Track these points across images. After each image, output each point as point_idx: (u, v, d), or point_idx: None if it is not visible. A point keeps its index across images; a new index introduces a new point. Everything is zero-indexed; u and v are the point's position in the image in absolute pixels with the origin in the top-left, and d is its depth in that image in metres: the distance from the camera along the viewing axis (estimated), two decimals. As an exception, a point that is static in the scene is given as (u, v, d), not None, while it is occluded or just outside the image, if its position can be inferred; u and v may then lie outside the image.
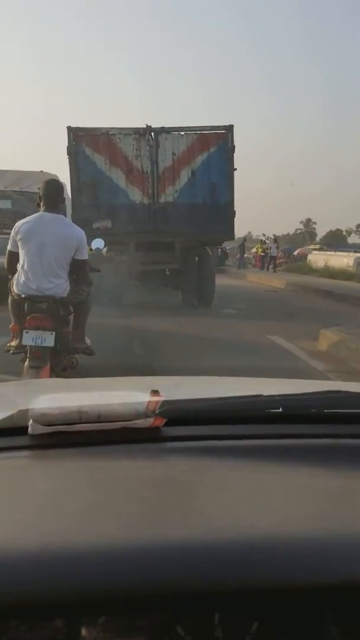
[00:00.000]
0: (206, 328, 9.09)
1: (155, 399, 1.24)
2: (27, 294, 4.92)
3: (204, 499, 0.99)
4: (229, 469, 1.13)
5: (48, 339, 4.92)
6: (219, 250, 30.97)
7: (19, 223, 5.00)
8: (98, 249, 6.23)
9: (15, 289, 4.94)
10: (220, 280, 15.13)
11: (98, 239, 6.16)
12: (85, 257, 5.11)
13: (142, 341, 7.50)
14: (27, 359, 4.86)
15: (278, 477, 1.10)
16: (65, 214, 5.51)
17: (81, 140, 11.81)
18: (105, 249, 8.26)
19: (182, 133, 11.78)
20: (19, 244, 4.93)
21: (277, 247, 34.97)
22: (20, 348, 4.96)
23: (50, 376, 4.73)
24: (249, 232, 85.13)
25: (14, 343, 5.04)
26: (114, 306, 10.32)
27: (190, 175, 11.81)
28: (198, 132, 11.86)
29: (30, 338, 4.92)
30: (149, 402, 1.22)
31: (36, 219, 4.97)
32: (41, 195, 5.02)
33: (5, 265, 5.05)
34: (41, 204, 5.00)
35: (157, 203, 11.68)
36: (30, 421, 1.18)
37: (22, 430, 1.19)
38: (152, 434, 1.22)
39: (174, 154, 11.76)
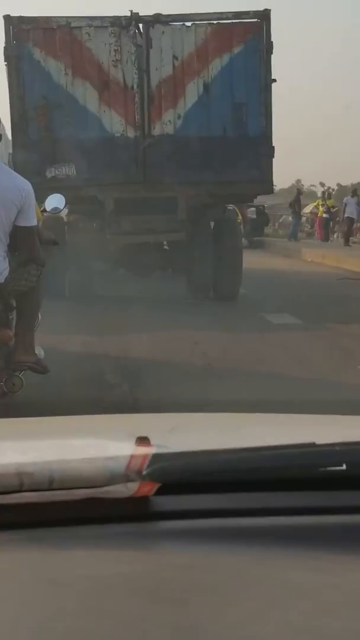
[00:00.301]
0: (240, 354, 7.10)
1: (141, 451, 1.15)
2: None
3: (212, 616, 0.92)
4: (254, 565, 1.05)
5: None
6: (253, 210, 26.83)
7: None
8: (55, 210, 5.65)
9: None
10: (258, 259, 13.70)
11: (55, 194, 5.59)
12: (34, 222, 4.62)
13: (119, 364, 6.60)
14: None
15: (335, 581, 1.00)
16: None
17: (27, 38, 10.20)
18: (65, 211, 7.79)
19: (189, 24, 10.32)
20: None
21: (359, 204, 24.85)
22: None
23: None
24: (298, 182, 69.84)
25: None
26: (79, 304, 9.57)
27: (201, 92, 10.31)
28: (214, 22, 10.38)
29: None
30: (132, 457, 1.13)
31: None
32: None
33: None
34: None
35: (149, 136, 10.26)
36: None
37: None
38: (135, 509, 1.15)
39: (175, 57, 10.23)
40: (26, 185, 4.60)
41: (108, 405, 4.82)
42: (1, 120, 11.32)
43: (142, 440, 1.17)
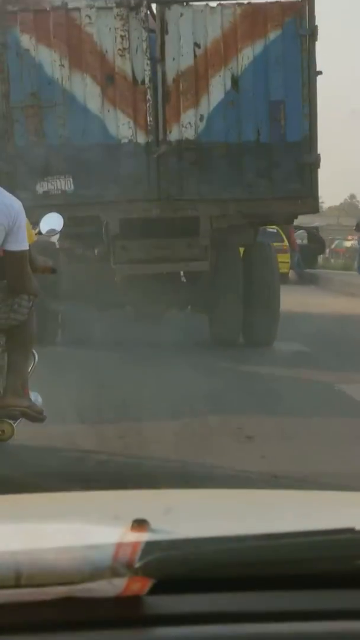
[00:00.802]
0: (327, 462, 5.36)
1: (131, 538, 1.07)
2: None
3: None
4: None
5: None
6: (303, 234, 23.29)
7: None
8: (52, 232, 5.25)
9: None
10: (315, 300, 12.45)
11: (52, 213, 5.18)
12: (25, 246, 4.37)
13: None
14: None
15: None
16: None
17: (13, 22, 9.12)
18: (57, 235, 6.80)
19: (214, 4, 9.32)
20: None
21: None
22: None
23: None
24: (352, 197, 60.22)
25: None
26: (72, 354, 8.73)
27: (229, 87, 9.29)
28: (245, 1, 9.36)
29: None
30: (119, 545, 1.05)
31: None
32: None
33: None
34: None
35: (163, 143, 9.22)
36: None
37: None
38: (123, 612, 1.07)
39: (197, 45, 9.23)
40: (16, 203, 4.39)
41: (90, 480, 4.37)
42: None
43: (134, 524, 1.09)
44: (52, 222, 5.10)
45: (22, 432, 4.78)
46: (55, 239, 8.63)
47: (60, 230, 5.42)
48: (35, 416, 4.52)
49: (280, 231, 20.33)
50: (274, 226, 14.85)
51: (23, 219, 4.36)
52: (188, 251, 9.40)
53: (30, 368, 4.76)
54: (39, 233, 5.17)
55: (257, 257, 10.19)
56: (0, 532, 1.31)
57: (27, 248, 4.44)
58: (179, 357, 8.64)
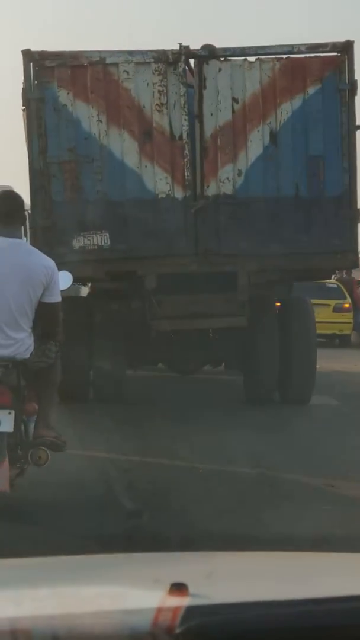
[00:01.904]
0: None
1: (172, 602, 1.04)
2: None
3: None
4: None
5: (5, 421, 4.90)
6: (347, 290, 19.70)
7: None
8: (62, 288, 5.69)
9: None
10: None
11: (63, 271, 5.64)
12: (58, 298, 5.21)
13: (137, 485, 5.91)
14: None
15: None
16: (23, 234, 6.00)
17: (51, 77, 9.11)
18: (83, 289, 8.72)
19: (252, 59, 9.23)
20: None
21: None
22: None
23: (10, 476, 4.83)
24: None
25: None
26: (103, 413, 8.40)
27: (267, 142, 9.27)
28: (284, 56, 9.29)
29: None
30: (159, 610, 1.03)
31: None
32: None
33: None
34: None
35: (201, 198, 9.18)
36: None
37: None
38: None
39: (235, 100, 9.18)
40: (51, 263, 5.18)
41: (123, 541, 4.49)
42: None
43: (175, 588, 1.05)
44: (62, 279, 5.59)
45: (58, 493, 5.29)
46: (83, 293, 9.06)
47: (70, 285, 6.10)
48: (60, 445, 5.23)
49: (342, 287, 18.01)
50: (333, 282, 13.91)
51: (57, 276, 5.17)
52: (225, 307, 9.27)
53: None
54: None
55: (293, 312, 10.10)
56: (36, 595, 1.28)
57: (60, 300, 5.24)
58: (213, 415, 8.54)
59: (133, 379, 9.96)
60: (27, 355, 5.05)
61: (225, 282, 9.17)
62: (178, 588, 1.07)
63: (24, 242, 5.45)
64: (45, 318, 5.14)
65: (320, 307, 15.73)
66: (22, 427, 5.17)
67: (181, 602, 1.04)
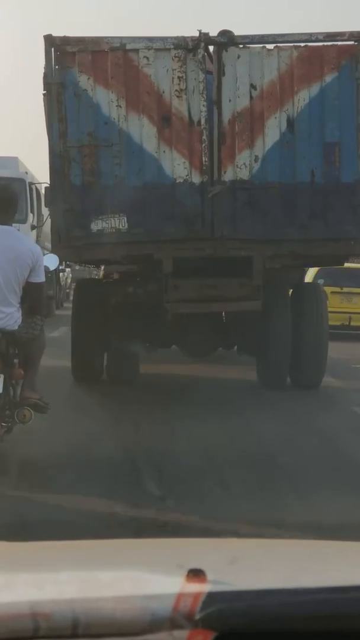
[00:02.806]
0: None
1: (193, 589, 1.03)
2: None
3: None
4: None
5: None
6: None
7: None
8: (46, 270, 6.50)
9: None
10: None
11: (51, 254, 7.05)
12: (42, 278, 5.97)
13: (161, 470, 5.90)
14: None
15: None
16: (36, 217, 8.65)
17: (72, 63, 9.15)
18: (99, 271, 9.67)
19: (271, 47, 9.23)
20: None
21: None
22: None
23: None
24: None
25: None
26: (118, 392, 8.81)
27: (285, 129, 9.26)
28: (302, 44, 9.29)
29: None
30: (180, 595, 1.02)
31: None
32: None
33: None
34: None
35: (218, 183, 9.19)
36: None
37: None
38: None
39: (253, 87, 9.19)
40: (37, 249, 6.05)
41: (145, 527, 4.54)
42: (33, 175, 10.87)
43: (194, 574, 1.05)
44: (49, 261, 6.71)
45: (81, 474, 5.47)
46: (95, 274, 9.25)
47: (55, 268, 7.15)
48: (44, 406, 5.95)
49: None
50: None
51: (42, 259, 5.96)
52: (240, 291, 9.31)
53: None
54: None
55: (306, 298, 10.17)
56: (56, 579, 1.27)
57: (44, 280, 5.99)
58: (228, 401, 8.67)
59: (147, 362, 10.11)
60: (16, 327, 5.75)
61: (241, 267, 9.21)
62: (195, 574, 1.07)
63: (14, 229, 6.03)
64: (31, 295, 5.90)
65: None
66: (11, 390, 5.84)
67: (202, 588, 1.04)
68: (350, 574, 1.38)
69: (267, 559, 1.60)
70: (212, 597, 1.02)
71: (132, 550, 1.78)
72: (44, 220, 13.79)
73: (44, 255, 6.40)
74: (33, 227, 16.65)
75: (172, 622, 1.00)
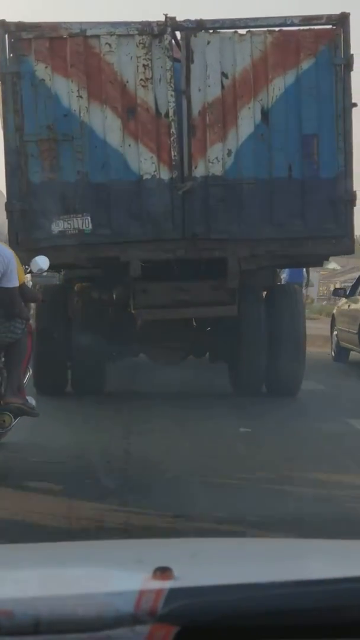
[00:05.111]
0: None
1: (154, 585, 1.09)
2: None
3: None
4: None
5: None
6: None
7: None
8: (40, 272, 7.02)
9: None
10: None
11: (40, 256, 6.97)
12: (15, 283, 6.05)
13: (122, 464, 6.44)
14: None
15: None
16: None
17: (28, 50, 9.03)
18: (58, 275, 9.94)
19: (243, 32, 9.17)
20: None
21: None
22: None
23: None
24: None
25: None
26: (81, 405, 8.80)
27: (259, 120, 9.19)
28: (276, 29, 9.21)
29: None
30: (142, 592, 1.07)
31: None
32: None
33: None
34: None
35: (189, 179, 9.12)
36: None
37: None
38: None
39: (225, 75, 9.11)
40: (7, 252, 6.10)
41: (107, 528, 4.82)
42: None
43: (159, 571, 1.11)
44: (40, 262, 6.82)
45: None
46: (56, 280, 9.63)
47: (47, 270, 7.11)
48: (29, 411, 6.05)
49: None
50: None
51: (14, 264, 6.01)
52: (214, 295, 9.19)
53: (25, 378, 6.56)
54: (30, 272, 6.92)
55: (281, 300, 10.01)
56: (18, 577, 1.33)
57: (17, 285, 6.09)
58: (194, 410, 8.48)
59: (113, 370, 9.92)
60: None
61: (214, 269, 9.08)
62: (162, 571, 1.11)
63: None
64: (5, 300, 6.01)
65: None
66: None
67: (164, 584, 1.08)
68: (311, 569, 1.45)
69: (228, 556, 1.67)
70: (174, 593, 1.06)
71: (94, 549, 1.85)
72: None
73: (36, 256, 6.88)
74: None
75: (134, 618, 1.04)
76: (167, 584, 1.09)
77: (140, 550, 1.71)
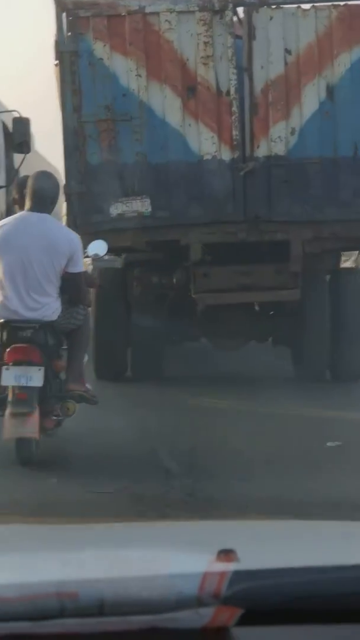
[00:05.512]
0: None
1: (219, 567, 1.10)
2: (5, 318, 5.86)
3: None
4: None
5: (35, 377, 5.72)
6: None
7: None
8: (96, 257, 7.03)
9: None
10: None
11: (99, 240, 6.95)
12: (81, 268, 6.17)
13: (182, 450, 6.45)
14: (8, 405, 5.66)
15: None
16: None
17: (86, 29, 9.00)
18: (119, 258, 9.69)
19: (307, 7, 9.09)
20: None
21: None
22: None
23: (40, 428, 5.66)
24: None
25: None
26: (142, 390, 8.91)
27: (324, 97, 9.10)
28: (340, 2, 9.15)
29: (11, 376, 5.71)
30: (206, 574, 1.08)
31: (17, 221, 6.07)
32: (28, 190, 6.03)
33: None
34: (26, 200, 6.03)
35: (251, 159, 9.06)
36: None
37: None
38: None
39: (288, 51, 9.05)
40: (74, 236, 6.19)
41: (171, 509, 4.95)
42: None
43: (223, 553, 1.12)
44: (97, 247, 6.76)
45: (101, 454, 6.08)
46: (118, 264, 9.73)
47: (104, 255, 7.02)
48: (90, 399, 6.10)
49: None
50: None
51: (80, 248, 6.11)
52: (276, 279, 9.20)
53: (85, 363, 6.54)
54: (87, 257, 6.82)
55: (345, 285, 9.98)
56: (82, 559, 1.36)
57: (83, 270, 6.24)
58: (257, 394, 8.52)
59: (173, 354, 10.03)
60: (54, 318, 5.94)
61: (277, 252, 9.07)
62: (226, 553, 1.12)
63: (52, 217, 6.18)
64: (70, 286, 6.05)
65: None
66: (57, 381, 6.02)
67: (228, 566, 1.09)
68: None
69: (292, 538, 1.70)
70: (238, 575, 1.07)
71: (158, 530, 1.90)
72: (14, 176, 10.89)
73: (94, 240, 6.86)
74: None
75: (198, 600, 1.05)
76: (231, 566, 1.10)
77: (202, 532, 1.76)
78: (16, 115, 10.87)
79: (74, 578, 1.12)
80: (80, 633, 1.07)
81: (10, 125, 11.02)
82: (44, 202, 5.96)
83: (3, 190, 11.04)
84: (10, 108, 11.53)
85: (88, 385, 6.22)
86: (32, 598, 1.06)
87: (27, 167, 11.53)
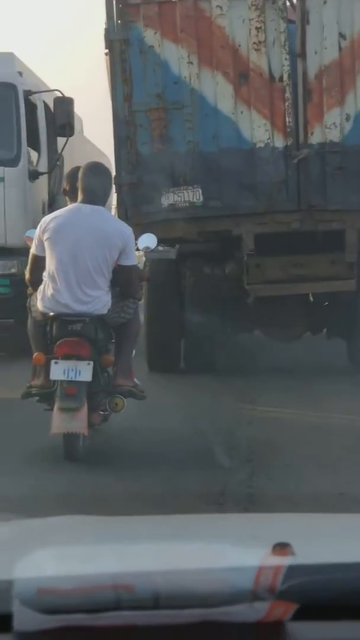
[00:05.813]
0: None
1: (274, 562, 1.10)
2: (55, 312, 5.81)
3: None
4: None
5: (84, 371, 5.69)
6: None
7: (46, 218, 6.17)
8: (146, 249, 7.01)
9: (39, 305, 5.89)
10: None
11: (148, 233, 6.94)
12: (133, 261, 6.16)
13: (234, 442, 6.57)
14: (57, 399, 5.65)
15: None
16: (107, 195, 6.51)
17: (136, 16, 9.02)
18: (172, 251, 9.59)
19: None
20: (46, 244, 5.87)
21: None
22: (47, 387, 5.82)
23: (89, 422, 5.68)
24: None
25: (37, 382, 5.91)
26: (195, 382, 8.84)
27: None
28: None
29: (60, 370, 5.68)
30: (261, 568, 1.09)
31: (69, 213, 6.04)
32: (79, 183, 5.99)
33: (27, 274, 6.23)
34: (78, 192, 5.99)
35: (305, 146, 9.01)
36: (16, 605, 1.09)
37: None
38: (265, 638, 1.13)
39: (342, 36, 8.97)
40: (127, 229, 6.11)
41: (227, 502, 5.01)
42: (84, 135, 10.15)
43: (278, 547, 1.13)
44: (148, 240, 6.78)
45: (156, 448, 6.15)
46: (171, 255, 9.53)
47: (155, 248, 7.10)
48: (138, 394, 6.05)
49: None
50: None
51: (133, 241, 6.10)
52: (331, 269, 9.13)
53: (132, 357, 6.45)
54: (137, 249, 6.72)
55: None
56: (138, 552, 1.37)
57: (135, 263, 6.19)
58: (314, 386, 8.53)
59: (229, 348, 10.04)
60: (105, 312, 5.89)
61: (332, 242, 8.99)
62: (282, 547, 1.13)
63: (104, 210, 6.13)
64: (121, 279, 6.03)
65: None
66: (106, 376, 5.98)
67: (283, 561, 1.09)
68: None
69: (347, 532, 1.70)
70: (293, 569, 1.07)
71: (213, 523, 1.91)
72: (57, 161, 10.71)
73: (144, 233, 6.83)
74: (34, 175, 10.61)
75: (253, 594, 1.05)
76: (287, 561, 1.10)
77: (258, 526, 1.77)
78: (58, 94, 10.66)
79: (130, 570, 1.13)
80: (135, 625, 1.09)
81: (52, 105, 10.79)
82: (96, 195, 5.93)
83: (45, 177, 10.90)
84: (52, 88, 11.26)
85: (136, 380, 6.22)
86: (88, 590, 1.08)
87: (73, 151, 11.32)
